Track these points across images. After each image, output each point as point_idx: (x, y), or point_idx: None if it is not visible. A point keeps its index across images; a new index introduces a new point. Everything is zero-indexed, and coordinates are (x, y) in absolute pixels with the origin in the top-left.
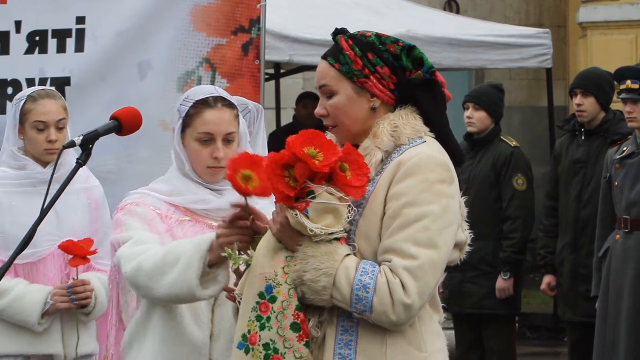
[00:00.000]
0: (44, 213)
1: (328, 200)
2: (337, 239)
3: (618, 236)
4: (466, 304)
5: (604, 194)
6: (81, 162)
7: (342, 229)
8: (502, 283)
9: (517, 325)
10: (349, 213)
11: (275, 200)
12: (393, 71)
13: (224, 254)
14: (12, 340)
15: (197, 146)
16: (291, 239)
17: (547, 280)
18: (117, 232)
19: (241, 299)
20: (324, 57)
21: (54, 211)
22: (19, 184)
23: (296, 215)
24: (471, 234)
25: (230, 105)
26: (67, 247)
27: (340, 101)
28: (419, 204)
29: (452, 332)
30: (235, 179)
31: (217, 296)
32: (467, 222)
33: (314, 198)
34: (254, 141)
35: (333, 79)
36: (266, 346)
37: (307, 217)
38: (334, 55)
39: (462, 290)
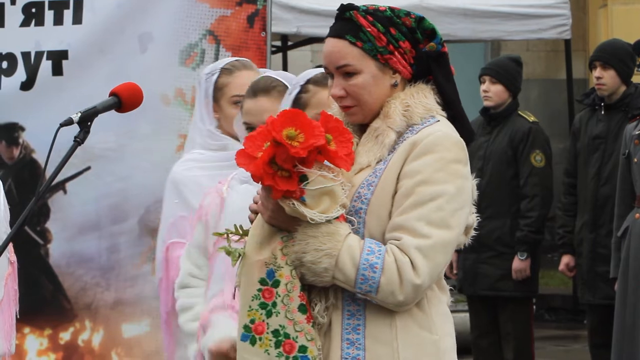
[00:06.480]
0: (39, 194)
1: (323, 184)
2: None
3: (637, 214)
4: (481, 286)
5: (623, 171)
6: (79, 141)
7: (339, 209)
8: (519, 263)
9: (534, 307)
10: (343, 190)
11: (272, 196)
12: (412, 45)
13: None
14: None
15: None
16: (285, 222)
17: (566, 260)
18: None
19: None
20: (338, 36)
21: None
22: (221, 166)
23: (293, 204)
24: (483, 214)
25: (268, 92)
26: None
27: (365, 80)
28: (433, 182)
29: (467, 315)
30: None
31: None
32: (474, 205)
33: (307, 183)
34: None
35: (355, 57)
36: (275, 332)
37: (304, 203)
38: (353, 32)
39: (476, 271)
